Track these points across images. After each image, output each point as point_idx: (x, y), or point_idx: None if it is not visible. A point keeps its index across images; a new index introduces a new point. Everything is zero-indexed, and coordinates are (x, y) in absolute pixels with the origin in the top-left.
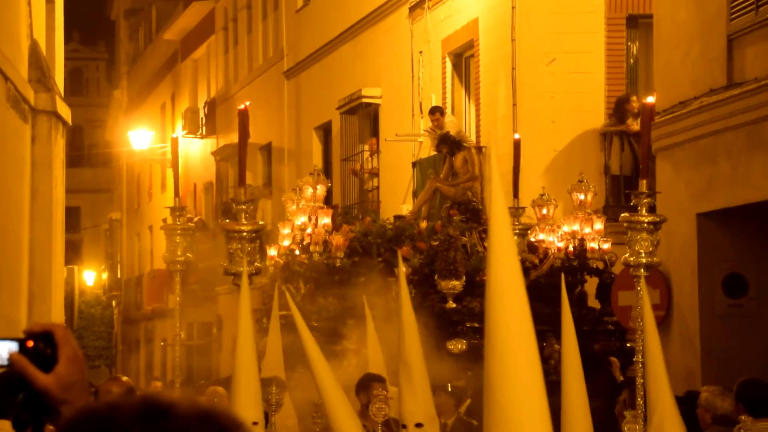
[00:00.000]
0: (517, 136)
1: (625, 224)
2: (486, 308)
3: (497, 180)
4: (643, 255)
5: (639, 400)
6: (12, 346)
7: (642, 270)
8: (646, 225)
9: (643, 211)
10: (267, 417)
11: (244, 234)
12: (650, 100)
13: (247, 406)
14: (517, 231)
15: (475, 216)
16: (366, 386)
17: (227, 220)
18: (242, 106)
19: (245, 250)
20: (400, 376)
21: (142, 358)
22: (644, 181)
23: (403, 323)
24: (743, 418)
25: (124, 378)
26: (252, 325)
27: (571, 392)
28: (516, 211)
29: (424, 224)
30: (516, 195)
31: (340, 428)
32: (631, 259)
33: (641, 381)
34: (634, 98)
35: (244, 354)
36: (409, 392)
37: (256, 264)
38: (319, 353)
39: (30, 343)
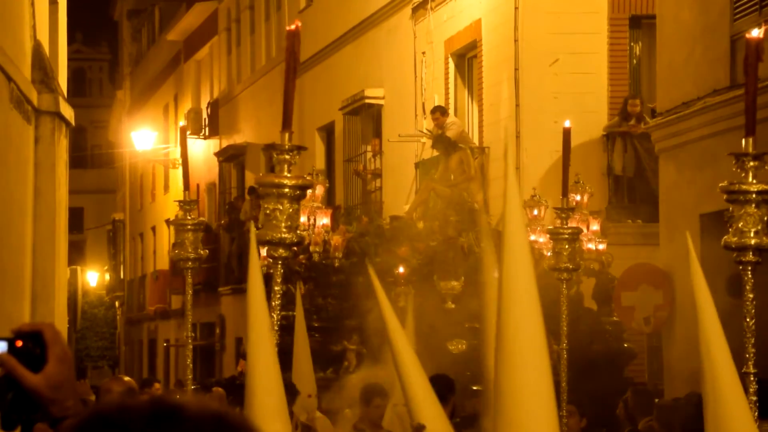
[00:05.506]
0: (567, 123)
1: (725, 197)
2: (499, 313)
3: (513, 179)
4: (751, 234)
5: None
6: (1, 346)
7: (750, 255)
8: (753, 196)
9: (749, 178)
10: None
11: (286, 190)
12: (755, 33)
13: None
14: (567, 236)
15: (471, 217)
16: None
17: (263, 174)
18: (293, 27)
19: (285, 211)
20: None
21: (145, 359)
22: (750, 140)
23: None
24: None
25: (126, 378)
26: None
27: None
28: (564, 213)
29: (420, 225)
30: (565, 194)
31: (418, 409)
32: (734, 240)
33: (755, 398)
34: (638, 101)
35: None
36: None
37: (298, 232)
38: (402, 333)
39: (19, 343)
